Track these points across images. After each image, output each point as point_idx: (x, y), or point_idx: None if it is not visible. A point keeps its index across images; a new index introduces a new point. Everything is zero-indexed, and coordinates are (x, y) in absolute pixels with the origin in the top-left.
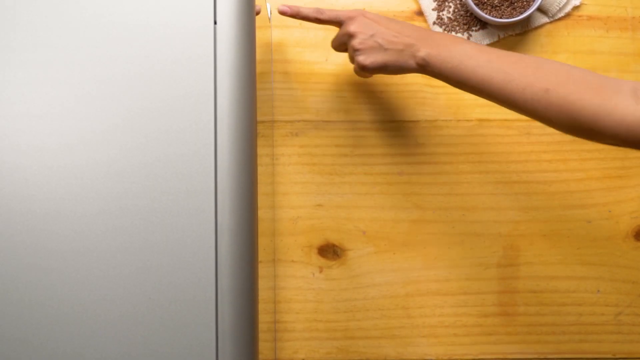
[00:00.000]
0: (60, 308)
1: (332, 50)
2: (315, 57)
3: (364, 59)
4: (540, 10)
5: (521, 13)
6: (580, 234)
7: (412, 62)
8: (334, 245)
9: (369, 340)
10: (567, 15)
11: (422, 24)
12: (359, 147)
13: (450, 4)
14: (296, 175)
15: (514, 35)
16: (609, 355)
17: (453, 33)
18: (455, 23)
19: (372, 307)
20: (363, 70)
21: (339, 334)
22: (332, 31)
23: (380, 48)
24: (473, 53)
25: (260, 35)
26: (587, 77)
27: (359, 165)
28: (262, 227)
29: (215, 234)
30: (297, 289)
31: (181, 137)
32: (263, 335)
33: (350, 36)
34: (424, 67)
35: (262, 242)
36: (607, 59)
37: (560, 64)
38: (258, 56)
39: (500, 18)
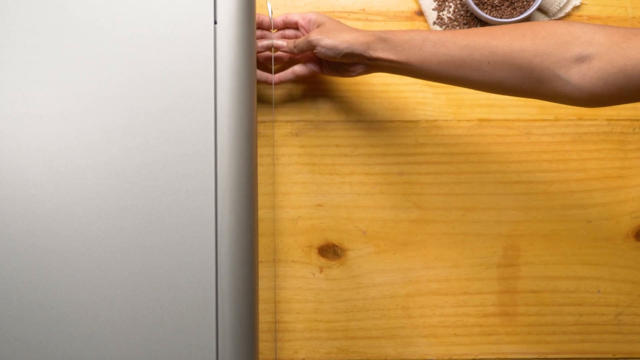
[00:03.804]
0: (60, 308)
1: None
2: None
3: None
4: (540, 10)
5: (521, 13)
6: (580, 234)
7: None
8: (334, 245)
9: (369, 340)
10: (567, 15)
11: (423, 24)
12: (359, 147)
13: (451, 4)
14: (296, 175)
15: None
16: (609, 356)
17: None
18: (456, 23)
19: (372, 307)
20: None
21: (339, 334)
22: None
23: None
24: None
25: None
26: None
27: (359, 165)
28: (262, 227)
29: (216, 234)
30: (297, 289)
31: (181, 137)
32: (263, 335)
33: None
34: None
35: (262, 242)
36: None
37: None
38: None
39: (501, 18)
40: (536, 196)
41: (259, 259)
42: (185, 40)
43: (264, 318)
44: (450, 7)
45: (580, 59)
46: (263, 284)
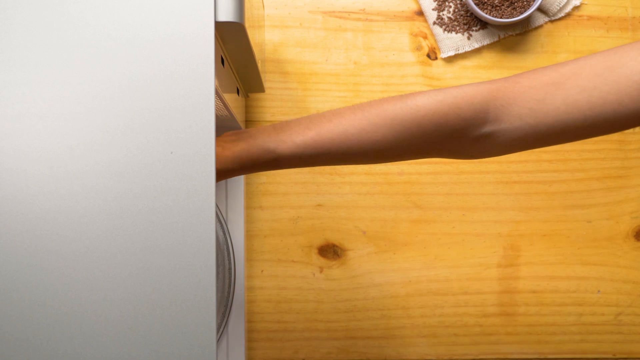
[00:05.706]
0: (60, 308)
1: (332, 50)
2: (315, 57)
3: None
4: (540, 10)
5: (521, 13)
6: (580, 234)
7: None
8: (334, 245)
9: (369, 340)
10: (567, 15)
11: (423, 24)
12: None
13: (451, 4)
14: (296, 175)
15: (514, 35)
16: (609, 355)
17: (453, 33)
18: (456, 23)
19: (372, 307)
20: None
21: (339, 334)
22: (333, 31)
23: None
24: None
25: (256, 34)
26: None
27: (359, 166)
28: (268, 227)
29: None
30: (297, 289)
31: (181, 137)
32: (267, 335)
33: None
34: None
35: (266, 242)
36: None
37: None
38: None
39: (501, 18)
40: (536, 196)
41: (263, 259)
42: (185, 40)
43: (269, 317)
44: (450, 7)
45: None
46: (270, 284)
